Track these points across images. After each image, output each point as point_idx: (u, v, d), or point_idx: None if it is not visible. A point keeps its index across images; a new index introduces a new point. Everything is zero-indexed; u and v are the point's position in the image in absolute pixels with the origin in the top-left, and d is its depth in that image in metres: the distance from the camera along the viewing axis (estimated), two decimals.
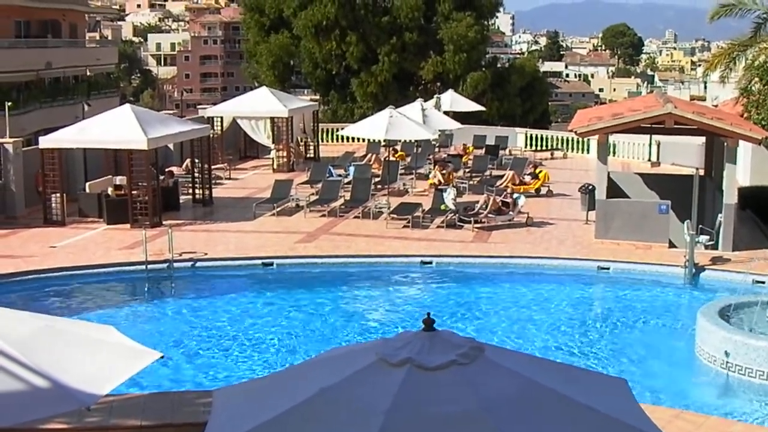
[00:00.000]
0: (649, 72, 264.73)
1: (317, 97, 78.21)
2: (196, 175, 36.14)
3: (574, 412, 7.53)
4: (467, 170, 42.48)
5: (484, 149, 47.66)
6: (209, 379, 18.69)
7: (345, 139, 51.51)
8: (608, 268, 26.87)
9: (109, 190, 33.01)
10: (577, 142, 50.24)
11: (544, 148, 51.76)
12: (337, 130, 53.04)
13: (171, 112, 62.34)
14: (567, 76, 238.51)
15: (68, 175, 34.32)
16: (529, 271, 26.98)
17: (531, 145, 52.31)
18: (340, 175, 39.04)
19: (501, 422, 7.15)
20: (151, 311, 24.18)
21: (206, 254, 27.53)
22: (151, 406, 15.18)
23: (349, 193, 35.23)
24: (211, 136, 39.78)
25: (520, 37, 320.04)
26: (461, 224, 31.22)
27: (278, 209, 33.77)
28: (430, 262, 27.38)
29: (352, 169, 40.04)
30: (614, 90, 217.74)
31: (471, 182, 39.62)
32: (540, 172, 38.80)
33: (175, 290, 25.83)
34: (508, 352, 8.88)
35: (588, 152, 48.68)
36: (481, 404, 7.26)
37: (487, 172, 41.87)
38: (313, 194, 35.43)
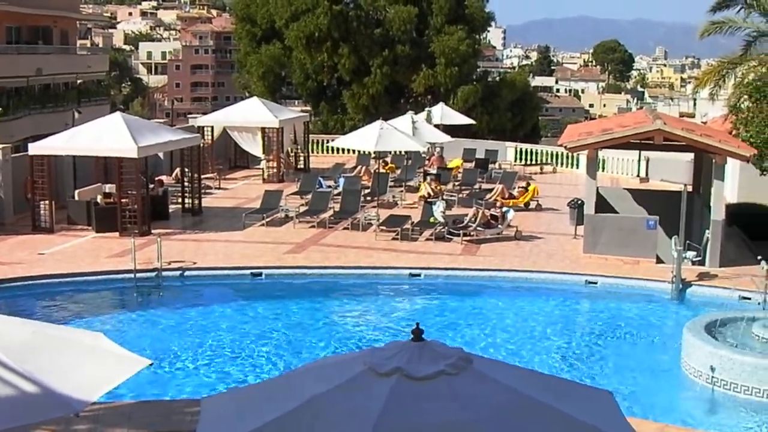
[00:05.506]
0: (639, 88, 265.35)
1: (308, 108, 78.26)
2: (186, 184, 36.12)
3: (560, 424, 7.58)
4: (457, 183, 42.56)
5: (473, 163, 47.73)
6: (197, 388, 18.69)
7: (335, 151, 51.63)
8: (596, 283, 26.96)
9: (99, 198, 32.99)
10: (567, 156, 50.36)
11: (533, 162, 51.87)
12: (328, 142, 53.24)
13: (161, 120, 62.32)
14: (557, 91, 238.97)
15: (57, 182, 34.30)
16: (518, 285, 27.02)
17: (520, 159, 52.43)
18: (329, 187, 39.06)
19: None
20: (139, 320, 24.15)
21: (195, 264, 27.54)
22: (139, 415, 15.23)
23: (338, 205, 35.25)
24: (202, 145, 39.78)
25: (511, 51, 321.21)
26: (450, 237, 31.30)
27: (268, 220, 33.80)
28: (419, 275, 27.41)
29: (341, 180, 40.08)
30: (604, 106, 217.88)
31: (460, 195, 39.71)
32: (529, 186, 38.89)
33: (163, 299, 25.78)
34: (495, 363, 8.93)
35: (577, 167, 48.83)
36: (469, 415, 7.31)
37: (477, 186, 41.97)
38: (302, 205, 35.50)
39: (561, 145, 34.00)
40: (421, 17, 73.94)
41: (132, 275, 25.85)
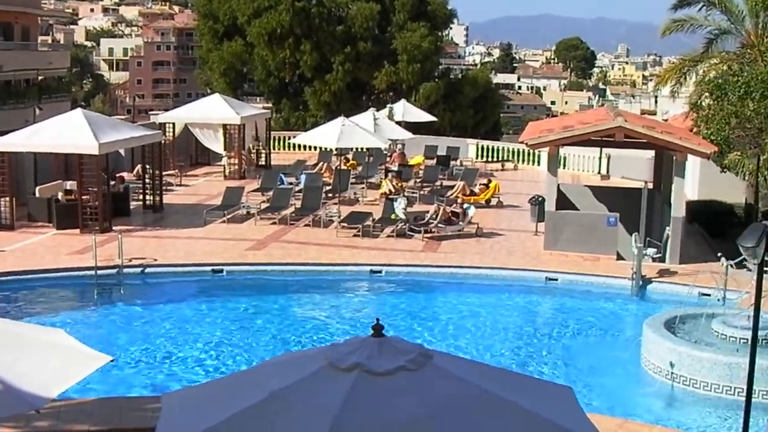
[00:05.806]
0: (601, 86, 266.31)
1: (269, 105, 78.12)
2: (147, 181, 35.98)
3: (520, 419, 7.62)
4: (418, 180, 42.62)
5: (435, 160, 47.81)
6: (157, 385, 18.65)
7: (297, 147, 51.50)
8: (556, 279, 27.10)
9: (60, 195, 32.79)
10: (528, 153, 50.51)
11: (494, 159, 51.98)
12: (289, 138, 53.07)
13: (122, 117, 62.05)
14: (519, 88, 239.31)
15: (18, 179, 34.03)
16: (478, 281, 27.10)
17: (482, 156, 52.50)
18: (291, 183, 39.02)
19: (447, 428, 7.23)
20: (100, 317, 24.05)
21: (156, 260, 27.46)
22: (99, 412, 15.16)
23: (299, 201, 35.22)
24: (163, 142, 39.62)
25: (473, 48, 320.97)
26: (411, 234, 31.33)
27: (229, 216, 33.72)
28: (380, 271, 27.45)
29: (303, 177, 40.06)
30: (566, 103, 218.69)
31: (422, 192, 39.80)
32: (491, 183, 39.00)
33: (124, 296, 25.63)
34: (455, 358, 8.96)
35: (538, 164, 48.98)
36: (429, 410, 7.34)
37: (438, 183, 42.07)
38: (264, 202, 35.43)
39: (522, 142, 34.09)
40: (383, 14, 74.07)
41: (93, 272, 25.73)
